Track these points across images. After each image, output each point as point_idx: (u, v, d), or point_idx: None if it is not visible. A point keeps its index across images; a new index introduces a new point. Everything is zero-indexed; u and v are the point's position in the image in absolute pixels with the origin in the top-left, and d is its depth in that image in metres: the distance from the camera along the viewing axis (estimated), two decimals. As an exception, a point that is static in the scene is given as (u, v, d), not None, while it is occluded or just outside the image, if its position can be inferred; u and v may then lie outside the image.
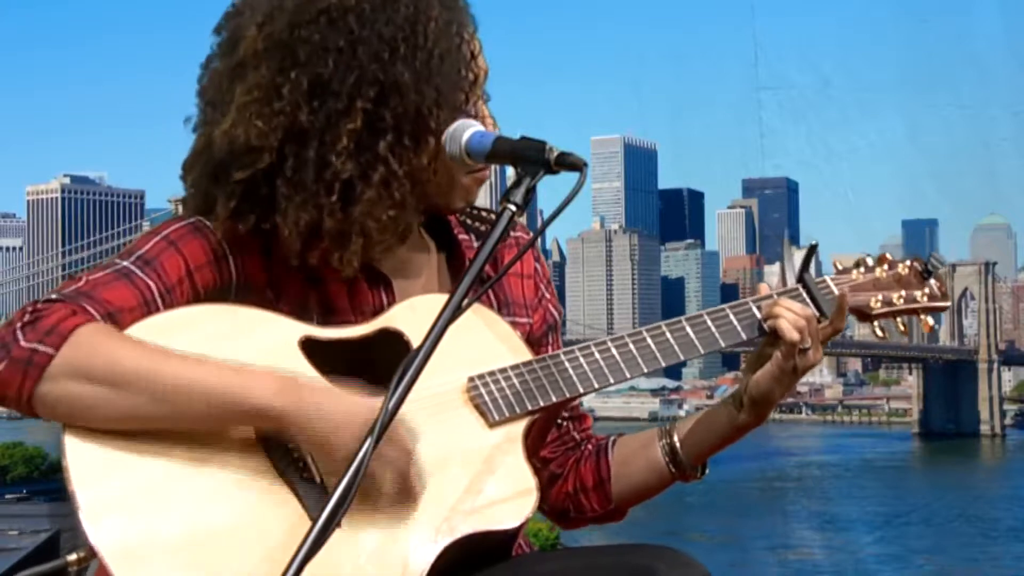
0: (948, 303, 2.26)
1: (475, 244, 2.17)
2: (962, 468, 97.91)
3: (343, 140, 1.91)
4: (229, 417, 1.82)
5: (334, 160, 1.91)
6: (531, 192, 1.82)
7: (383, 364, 1.91)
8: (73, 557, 1.81)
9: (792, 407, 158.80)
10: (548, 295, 2.26)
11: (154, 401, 1.79)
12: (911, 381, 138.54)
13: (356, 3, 1.93)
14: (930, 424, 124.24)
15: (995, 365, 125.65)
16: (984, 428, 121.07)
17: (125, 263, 1.92)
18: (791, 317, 2.06)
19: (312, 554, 1.61)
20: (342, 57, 1.91)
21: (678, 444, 2.18)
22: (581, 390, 2.04)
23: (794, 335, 2.05)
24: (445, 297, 1.99)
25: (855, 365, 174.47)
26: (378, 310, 2.02)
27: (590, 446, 2.26)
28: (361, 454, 1.65)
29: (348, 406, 1.81)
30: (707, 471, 2.22)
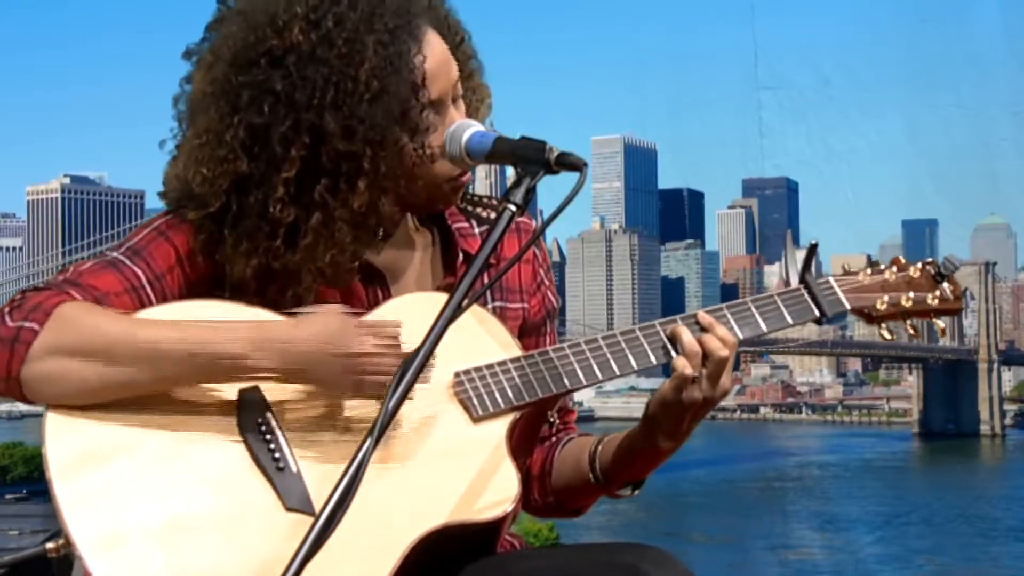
0: (960, 306, 2.23)
1: (475, 229, 2.17)
2: (962, 468, 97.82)
3: (280, 188, 1.93)
4: (208, 374, 1.85)
5: (273, 208, 1.93)
6: (531, 192, 1.83)
7: None
8: (51, 544, 1.85)
9: (792, 407, 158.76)
10: (547, 282, 2.26)
11: (134, 365, 1.82)
12: (911, 381, 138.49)
13: (297, 44, 1.92)
14: (930, 424, 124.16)
15: (995, 365, 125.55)
16: (984, 428, 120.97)
17: (114, 254, 1.96)
18: (686, 340, 2.04)
19: (312, 554, 1.63)
20: (279, 103, 1.92)
21: (598, 457, 2.16)
22: (568, 386, 2.04)
23: (678, 363, 2.02)
24: (431, 295, 2.03)
25: (855, 365, 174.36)
26: (372, 306, 2.03)
27: (560, 435, 2.26)
28: (361, 454, 1.67)
29: (319, 328, 1.83)
30: (637, 491, 2.18)
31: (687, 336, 2.03)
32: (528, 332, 2.17)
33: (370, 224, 1.99)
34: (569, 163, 1.82)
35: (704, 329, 2.05)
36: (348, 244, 1.96)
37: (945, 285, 2.22)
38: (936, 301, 2.21)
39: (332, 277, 1.97)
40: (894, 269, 2.21)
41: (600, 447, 2.17)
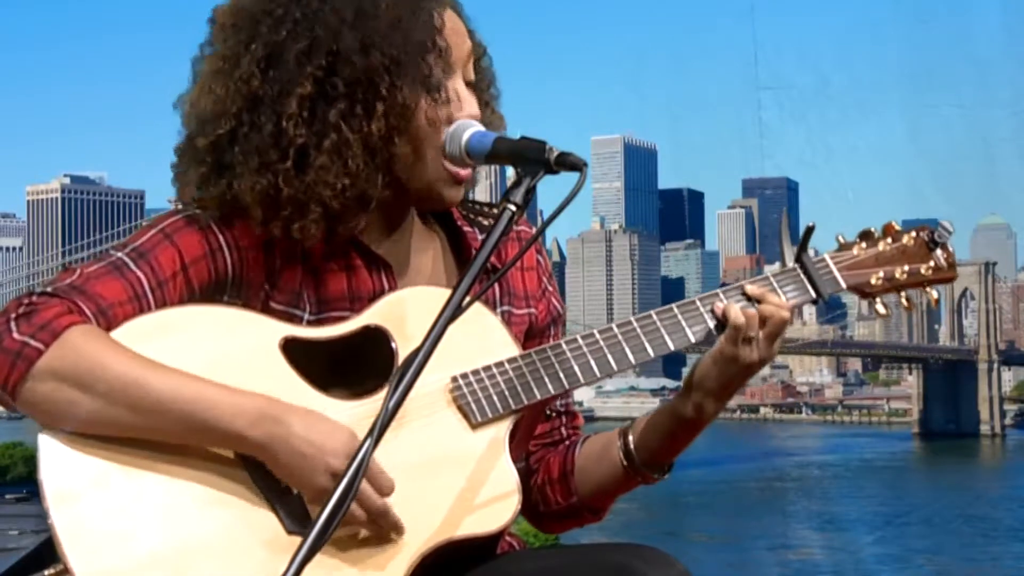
0: (955, 274, 2.19)
1: (479, 236, 2.15)
2: (962, 468, 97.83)
3: (294, 106, 1.92)
4: (204, 439, 1.83)
5: (287, 125, 1.92)
6: (531, 192, 1.81)
7: (366, 362, 1.92)
8: (50, 571, 1.82)
9: (792, 407, 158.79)
10: (551, 288, 2.25)
11: (133, 413, 1.79)
12: (911, 381, 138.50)
13: None
14: (930, 424, 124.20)
15: (995, 365, 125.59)
16: (984, 428, 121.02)
17: (120, 255, 1.93)
18: (744, 302, 2.04)
19: (307, 560, 1.60)
20: (297, 27, 1.93)
21: (632, 444, 2.12)
22: (567, 385, 2.02)
23: (739, 319, 2.01)
24: (427, 291, 2.01)
25: (855, 365, 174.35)
26: (377, 296, 2.01)
27: (568, 442, 2.23)
28: (361, 454, 1.65)
29: (322, 436, 1.81)
30: (668, 474, 2.15)
31: (735, 309, 2.02)
32: (534, 336, 2.15)
33: (383, 162, 1.97)
34: (569, 163, 1.80)
35: (750, 299, 2.06)
36: (360, 177, 1.94)
37: (939, 252, 2.17)
38: (930, 271, 2.17)
39: (339, 214, 1.94)
40: (888, 240, 2.17)
41: (631, 433, 2.13)
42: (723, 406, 2.09)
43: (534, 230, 2.19)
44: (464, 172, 2.03)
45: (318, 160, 1.92)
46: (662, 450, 2.12)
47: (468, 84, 2.05)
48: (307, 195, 1.92)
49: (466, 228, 2.15)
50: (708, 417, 2.08)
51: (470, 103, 2.02)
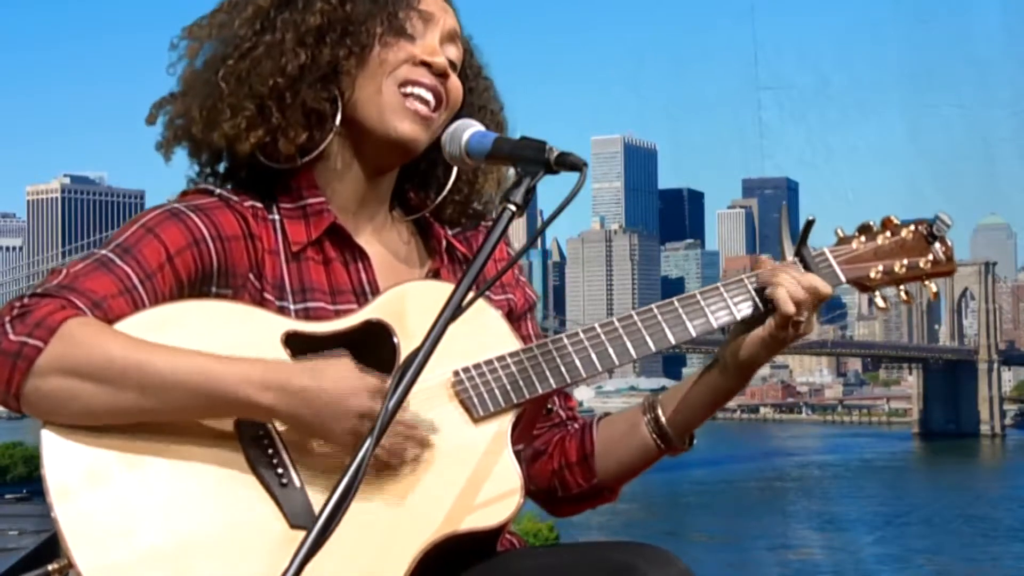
0: (953, 267, 2.20)
1: (450, 231, 2.19)
2: (962, 468, 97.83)
3: (249, 13, 2.03)
4: (215, 411, 1.84)
5: (237, 27, 2.03)
6: (531, 192, 1.81)
7: (368, 357, 1.91)
8: (54, 566, 1.82)
9: (792, 407, 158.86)
10: (523, 278, 2.27)
11: (142, 394, 1.79)
12: (911, 381, 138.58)
13: None
14: (930, 424, 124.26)
15: (995, 365, 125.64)
16: (984, 428, 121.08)
17: (104, 252, 1.93)
18: (791, 287, 2.04)
19: (310, 556, 1.60)
20: None
21: (663, 419, 2.14)
22: (568, 379, 2.02)
23: (789, 308, 2.02)
24: (430, 285, 2.03)
25: (855, 365, 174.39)
26: (356, 287, 2.03)
27: (576, 425, 2.24)
28: (360, 455, 1.64)
29: (334, 384, 1.82)
30: (695, 443, 2.19)
31: (807, 278, 2.05)
32: (514, 321, 2.17)
33: (322, 74, 2.01)
34: (569, 163, 1.80)
35: (758, 291, 2.08)
36: (299, 81, 2.00)
37: (937, 246, 2.18)
38: (929, 265, 2.17)
39: (281, 125, 2.00)
40: (888, 234, 2.17)
41: (659, 410, 2.15)
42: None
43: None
44: (425, 110, 2.05)
45: (254, 53, 2.01)
46: (699, 422, 2.17)
47: (449, 62, 2.09)
48: (242, 90, 2.00)
49: (435, 220, 2.19)
50: (739, 389, 2.16)
51: (435, 51, 2.06)
